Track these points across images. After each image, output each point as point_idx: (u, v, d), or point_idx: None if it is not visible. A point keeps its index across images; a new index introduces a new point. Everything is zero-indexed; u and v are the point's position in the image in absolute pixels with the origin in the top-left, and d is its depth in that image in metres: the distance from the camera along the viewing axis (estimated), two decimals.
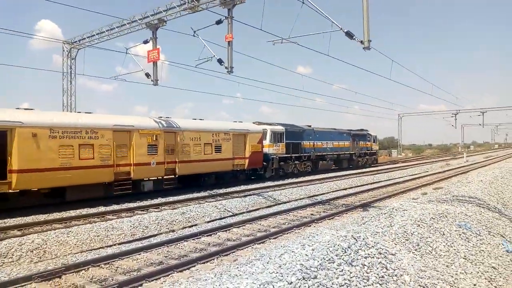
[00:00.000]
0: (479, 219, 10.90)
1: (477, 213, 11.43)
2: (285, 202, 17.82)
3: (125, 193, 17.55)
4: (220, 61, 17.13)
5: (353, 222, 12.34)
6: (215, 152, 22.31)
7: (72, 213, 14.61)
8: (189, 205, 16.35)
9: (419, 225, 9.07)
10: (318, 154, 32.49)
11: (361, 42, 13.70)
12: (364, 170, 35.23)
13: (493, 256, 8.64)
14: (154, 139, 18.79)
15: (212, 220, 14.14)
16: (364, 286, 5.65)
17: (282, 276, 5.40)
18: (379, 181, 26.97)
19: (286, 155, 28.64)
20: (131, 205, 16.34)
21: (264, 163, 26.25)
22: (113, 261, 9.03)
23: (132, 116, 21.01)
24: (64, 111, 22.75)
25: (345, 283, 5.59)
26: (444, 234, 8.88)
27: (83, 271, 8.45)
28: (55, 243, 10.77)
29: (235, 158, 23.76)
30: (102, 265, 8.80)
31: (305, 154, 30.85)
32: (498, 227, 10.85)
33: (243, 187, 21.84)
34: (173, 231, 12.62)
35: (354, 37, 14.03)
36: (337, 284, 5.51)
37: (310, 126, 33.04)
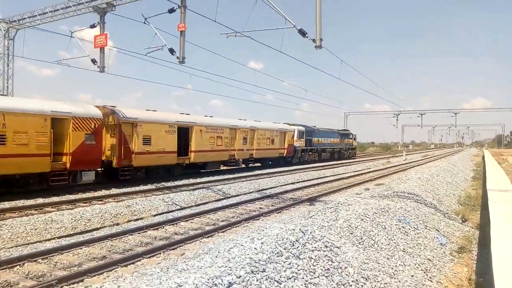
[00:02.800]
0: (417, 214, 11.54)
1: (415, 209, 12.09)
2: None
3: (232, 168, 29.51)
4: (171, 51, 16.71)
5: (300, 216, 12.61)
6: (271, 144, 33.47)
7: (7, 204, 13.65)
8: (135, 198, 15.87)
9: (362, 219, 9.42)
10: (321, 147, 44.02)
11: (313, 40, 13.93)
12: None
13: (429, 248, 9.19)
14: (246, 135, 30.04)
15: (160, 214, 13.82)
16: (311, 279, 5.76)
17: (230, 269, 5.38)
18: (325, 176, 27.79)
19: (305, 148, 39.78)
20: (72, 197, 15.58)
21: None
22: (52, 256, 8.56)
23: (236, 119, 30.67)
24: (201, 115, 27.79)
25: (293, 276, 5.67)
26: (385, 228, 9.29)
27: (18, 266, 7.93)
28: None
29: (280, 148, 34.99)
30: (40, 260, 8.30)
31: (314, 147, 42.11)
32: (433, 221, 11.56)
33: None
34: (117, 224, 12.20)
35: (306, 35, 14.24)
36: (285, 277, 5.57)
37: (315, 126, 43.93)
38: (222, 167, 28.86)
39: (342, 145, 50.08)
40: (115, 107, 20.00)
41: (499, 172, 21.45)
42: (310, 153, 41.02)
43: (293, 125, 38.70)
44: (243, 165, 31.33)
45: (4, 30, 23.17)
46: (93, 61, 19.24)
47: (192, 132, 24.08)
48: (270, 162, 34.72)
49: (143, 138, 20.43)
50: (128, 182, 19.52)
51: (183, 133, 23.44)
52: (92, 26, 18.84)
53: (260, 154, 31.78)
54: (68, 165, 16.77)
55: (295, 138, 37.54)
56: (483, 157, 46.77)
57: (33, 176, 16.00)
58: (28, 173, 15.60)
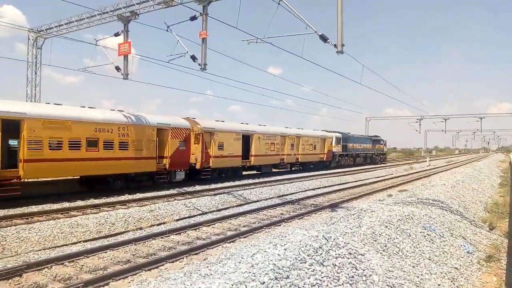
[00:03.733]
0: (442, 221, 11.29)
1: (440, 216, 11.83)
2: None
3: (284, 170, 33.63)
4: (193, 58, 16.94)
5: (322, 222, 12.51)
6: (314, 149, 36.88)
7: (34, 208, 14.04)
8: (157, 202, 16.07)
9: (386, 226, 9.28)
10: (356, 153, 46.88)
11: (335, 45, 13.87)
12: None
13: (455, 257, 8.97)
14: (293, 141, 33.51)
15: (182, 218, 13.95)
16: (335, 286, 5.70)
17: (254, 275, 5.37)
18: (347, 182, 27.51)
19: (342, 153, 42.78)
20: (97, 201, 15.88)
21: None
22: (78, 259, 8.74)
23: (283, 127, 34.00)
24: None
25: (317, 283, 5.62)
26: (410, 236, 9.13)
27: (46, 269, 8.12)
28: (15, 239, 10.31)
29: (320, 153, 38.23)
30: (66, 263, 8.49)
31: (349, 152, 44.83)
32: (459, 229, 11.28)
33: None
34: (140, 228, 12.36)
35: (328, 40, 14.19)
36: (308, 284, 5.53)
37: (349, 133, 46.56)
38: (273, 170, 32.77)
39: (374, 150, 52.98)
40: (195, 118, 23.98)
41: None
42: (346, 157, 44.45)
43: (331, 131, 41.67)
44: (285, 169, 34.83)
45: (33, 40, 23.96)
46: (117, 68, 19.69)
47: (252, 139, 28.27)
48: (311, 166, 37.35)
49: (218, 145, 24.64)
50: (150, 187, 19.85)
51: (245, 140, 27.54)
52: (116, 34, 19.31)
53: (304, 158, 35.35)
54: (167, 166, 20.59)
55: (333, 144, 40.71)
56: (510, 163, 45.40)
57: (144, 174, 19.83)
58: (141, 172, 19.51)
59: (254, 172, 30.04)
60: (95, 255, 9.12)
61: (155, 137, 19.83)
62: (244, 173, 28.91)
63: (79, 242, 10.74)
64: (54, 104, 16.85)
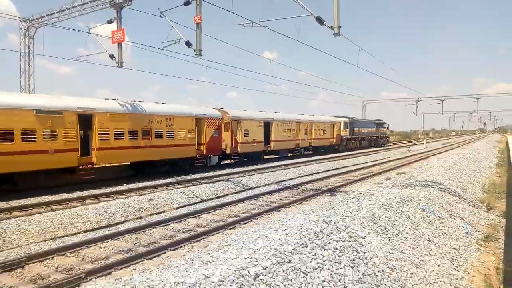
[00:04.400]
0: (441, 202, 11.37)
1: (438, 197, 11.91)
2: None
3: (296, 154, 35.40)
4: (188, 44, 16.74)
5: (321, 206, 12.57)
6: (324, 134, 39.35)
7: (33, 200, 14.01)
8: (156, 191, 16.07)
9: (386, 209, 9.33)
10: (361, 136, 48.80)
11: (331, 28, 13.72)
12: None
13: (454, 237, 9.05)
14: (306, 127, 35.88)
15: (181, 206, 13.98)
16: (336, 269, 5.75)
17: (256, 261, 5.40)
18: (353, 165, 27.56)
19: (349, 137, 44.97)
20: (96, 191, 15.86)
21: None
22: (79, 250, 8.77)
23: (297, 114, 35.92)
24: (276, 113, 33.52)
25: (319, 267, 5.66)
26: (409, 218, 9.19)
27: (48, 260, 8.14)
28: (15, 231, 10.31)
29: (330, 138, 40.76)
30: (68, 253, 8.52)
31: (356, 136, 46.86)
32: (458, 210, 11.38)
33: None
34: (140, 218, 12.38)
35: (324, 22, 14.04)
36: (310, 268, 5.57)
37: (355, 117, 48.69)
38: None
39: (378, 133, 55.24)
40: (222, 108, 26.28)
41: None
42: (353, 141, 46.60)
43: (339, 117, 44.01)
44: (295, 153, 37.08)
45: (24, 29, 23.61)
46: (111, 56, 19.43)
47: (272, 126, 30.61)
48: (322, 150, 39.74)
49: (244, 132, 27.27)
50: (149, 176, 19.83)
51: (266, 127, 30.06)
52: (109, 22, 19.00)
53: (316, 143, 37.79)
54: (204, 152, 23.31)
55: (341, 128, 43.09)
56: (507, 143, 45.61)
57: (185, 159, 22.25)
58: (183, 157, 21.96)
59: (273, 156, 32.92)
60: (96, 245, 9.14)
61: (194, 126, 22.42)
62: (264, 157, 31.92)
63: (80, 232, 10.74)
64: (112, 99, 19.24)
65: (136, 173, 20.70)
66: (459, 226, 9.96)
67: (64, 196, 14.84)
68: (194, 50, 16.42)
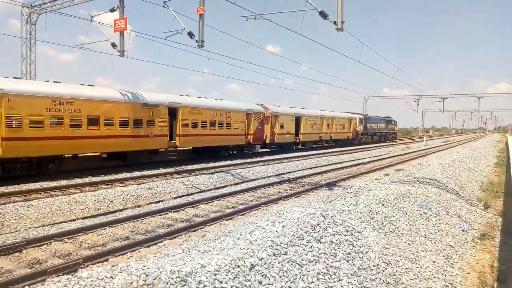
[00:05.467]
0: (438, 200, 11.41)
1: (436, 194, 11.94)
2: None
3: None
4: (190, 35, 16.67)
5: (320, 200, 12.60)
6: (343, 129, 44.07)
7: (32, 186, 14.04)
8: (156, 180, 16.11)
9: (383, 204, 9.37)
10: (373, 132, 53.28)
11: (335, 23, 13.67)
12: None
13: (451, 235, 9.10)
14: (328, 122, 40.50)
15: (180, 196, 14.02)
16: (332, 262, 5.79)
17: (253, 252, 5.44)
18: (354, 159, 27.61)
19: (363, 132, 49.36)
20: (95, 179, 15.90)
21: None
22: (77, 236, 8.80)
23: (319, 110, 40.05)
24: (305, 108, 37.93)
25: (314, 259, 5.71)
26: (406, 214, 9.23)
27: (45, 245, 8.17)
28: (14, 216, 10.36)
29: (347, 132, 45.20)
30: (66, 239, 8.55)
31: (368, 131, 51.35)
32: (455, 208, 11.42)
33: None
34: (139, 206, 12.43)
35: (328, 17, 13.98)
36: (306, 260, 5.61)
37: (367, 114, 54.10)
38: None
39: (387, 129, 59.59)
40: (263, 104, 30.65)
41: None
42: (366, 136, 51.05)
43: (354, 113, 49.04)
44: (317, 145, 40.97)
45: (26, 15, 23.49)
46: (113, 45, 19.38)
47: (301, 120, 34.89)
48: (340, 143, 43.28)
49: (280, 125, 31.73)
50: (147, 165, 19.90)
51: (297, 121, 34.33)
52: (112, 10, 18.92)
53: (336, 136, 42.26)
54: (251, 141, 28.15)
55: (357, 124, 47.40)
56: (507, 143, 45.60)
57: (237, 146, 27.24)
58: (236, 144, 26.98)
59: (300, 147, 36.84)
60: (94, 231, 9.18)
61: (245, 119, 27.16)
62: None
63: (78, 219, 10.79)
64: (186, 95, 23.92)
65: (198, 157, 24.90)
66: (456, 224, 10.01)
67: (63, 182, 14.88)
68: (196, 41, 16.35)
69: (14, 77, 15.73)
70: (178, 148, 22.25)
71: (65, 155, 17.18)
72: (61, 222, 10.40)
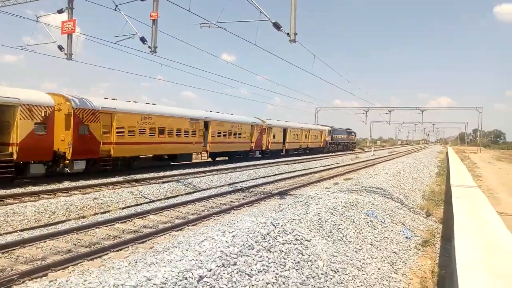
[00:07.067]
0: (384, 208, 11.84)
1: (382, 203, 12.40)
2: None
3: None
4: (143, 40, 16.34)
5: (271, 209, 12.66)
6: (316, 138, 52.31)
7: None
8: (102, 190, 15.48)
9: (332, 213, 9.57)
10: (338, 141, 62.03)
11: (288, 34, 13.92)
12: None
13: (395, 242, 9.45)
14: (307, 133, 49.09)
15: (128, 207, 13.54)
16: (281, 272, 5.79)
17: (201, 263, 5.33)
18: (304, 169, 28.05)
19: (331, 142, 58.27)
20: (36, 188, 15.03)
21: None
22: (13, 250, 8.22)
23: (297, 123, 48.34)
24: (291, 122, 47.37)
25: (264, 269, 5.68)
26: (354, 222, 9.48)
27: None
28: None
29: (319, 141, 53.97)
30: (0, 254, 7.95)
31: (334, 141, 59.98)
32: (399, 215, 11.89)
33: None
34: (83, 217, 11.84)
35: (281, 28, 14.21)
36: (255, 270, 5.58)
37: (333, 126, 60.31)
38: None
39: (348, 140, 68.38)
40: (260, 118, 37.85)
41: (462, 168, 22.30)
42: (333, 145, 59.37)
43: (325, 125, 57.83)
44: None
45: None
46: (60, 47, 18.52)
47: (287, 132, 42.69)
48: (309, 151, 49.90)
49: (273, 135, 39.46)
50: (93, 174, 19.10)
51: (284, 132, 42.13)
52: (60, 11, 18.11)
53: (311, 145, 50.40)
54: (253, 148, 35.68)
55: (326, 135, 55.64)
56: (447, 154, 48.49)
57: (244, 151, 34.72)
58: (244, 150, 34.61)
59: (284, 153, 43.80)
60: (32, 245, 8.62)
61: (250, 130, 34.83)
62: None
63: (15, 231, 10.08)
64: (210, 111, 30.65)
65: (213, 160, 32.15)
66: (400, 231, 10.41)
67: (1, 192, 13.91)
68: (149, 46, 16.05)
69: (114, 99, 21.44)
70: (209, 152, 29.50)
71: (141, 156, 22.93)
72: None
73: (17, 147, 15.60)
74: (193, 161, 28.74)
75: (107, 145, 19.63)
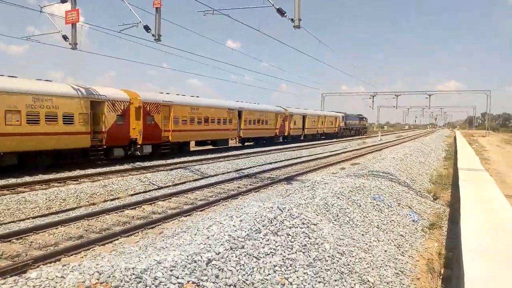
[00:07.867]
0: (390, 192, 11.87)
1: (389, 187, 12.43)
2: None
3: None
4: (146, 28, 16.32)
5: (278, 194, 12.76)
6: (331, 125, 56.49)
7: None
8: (111, 177, 15.68)
9: (338, 197, 9.63)
10: (350, 127, 65.57)
11: (292, 20, 13.84)
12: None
13: (402, 225, 9.51)
14: (323, 119, 53.53)
15: (137, 193, 13.72)
16: (288, 254, 5.90)
17: (210, 247, 5.44)
18: (310, 155, 28.10)
19: (345, 127, 62.05)
20: (46, 177, 15.26)
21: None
22: (27, 236, 8.42)
23: (313, 110, 52.69)
24: (308, 109, 51.60)
25: (271, 252, 5.79)
26: (360, 206, 9.54)
27: None
28: None
29: (334, 127, 57.60)
30: (14, 240, 8.16)
31: (347, 127, 63.71)
32: (406, 199, 11.93)
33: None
34: (93, 204, 12.05)
35: (285, 14, 14.12)
36: (263, 253, 5.68)
37: (346, 112, 63.72)
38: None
39: (360, 125, 72.39)
40: (281, 106, 41.48)
41: (470, 152, 22.18)
42: (347, 130, 63.29)
43: (339, 112, 60.91)
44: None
45: None
46: (65, 37, 18.54)
47: (306, 118, 46.45)
48: (324, 136, 54.06)
49: (294, 122, 43.05)
50: (101, 163, 19.36)
51: (303, 119, 45.94)
52: (63, 1, 18.09)
53: (327, 130, 54.74)
54: (277, 134, 39.71)
55: (340, 121, 59.61)
56: (455, 138, 48.15)
57: (269, 137, 38.61)
58: (269, 136, 38.53)
59: (303, 138, 47.69)
60: (45, 231, 8.82)
61: (275, 118, 38.65)
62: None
63: (28, 218, 10.30)
64: (236, 101, 34.28)
65: (243, 144, 36.27)
66: (407, 215, 10.46)
67: (12, 181, 14.16)
68: (153, 35, 16.05)
69: (176, 94, 26.22)
70: (241, 137, 33.64)
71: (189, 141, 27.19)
72: (9, 222, 9.88)
73: (105, 134, 19.31)
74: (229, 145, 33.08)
75: (166, 132, 23.55)
